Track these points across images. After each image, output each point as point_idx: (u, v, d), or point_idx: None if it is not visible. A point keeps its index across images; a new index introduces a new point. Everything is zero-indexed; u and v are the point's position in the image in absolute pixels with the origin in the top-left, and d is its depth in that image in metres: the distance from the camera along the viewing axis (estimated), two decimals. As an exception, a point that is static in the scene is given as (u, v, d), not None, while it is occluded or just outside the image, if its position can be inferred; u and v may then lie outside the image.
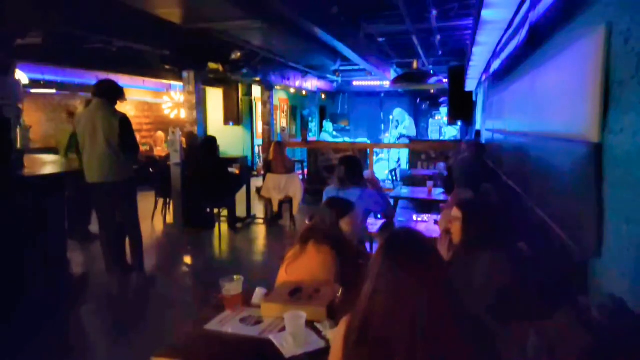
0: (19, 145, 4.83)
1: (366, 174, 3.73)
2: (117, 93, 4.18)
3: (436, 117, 17.15)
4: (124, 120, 4.05)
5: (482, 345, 1.14)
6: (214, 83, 10.71)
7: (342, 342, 1.20)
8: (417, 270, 1.14)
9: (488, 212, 2.06)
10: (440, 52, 9.38)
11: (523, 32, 2.88)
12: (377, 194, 3.53)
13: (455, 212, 2.07)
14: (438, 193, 5.20)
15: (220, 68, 7.57)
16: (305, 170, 9.59)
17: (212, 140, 6.30)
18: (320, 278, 2.09)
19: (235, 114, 11.71)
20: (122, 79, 7.58)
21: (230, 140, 11.57)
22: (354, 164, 3.59)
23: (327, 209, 2.38)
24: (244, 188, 6.81)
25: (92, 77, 8.03)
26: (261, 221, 6.93)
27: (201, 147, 6.33)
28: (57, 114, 7.57)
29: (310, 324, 1.70)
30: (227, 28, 6.18)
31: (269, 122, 10.58)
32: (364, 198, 3.31)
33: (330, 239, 2.22)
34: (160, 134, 10.32)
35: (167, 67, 7.55)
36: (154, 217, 6.71)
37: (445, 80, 10.56)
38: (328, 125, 14.65)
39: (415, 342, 1.07)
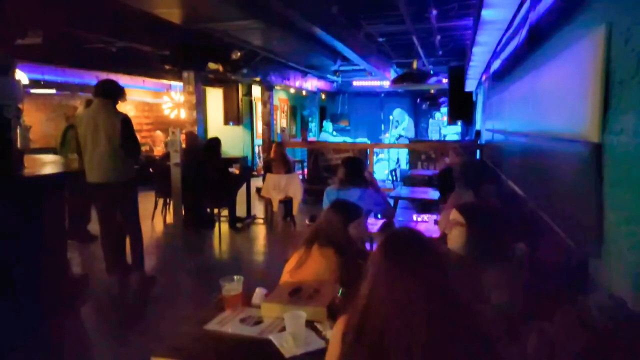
0: (19, 145, 4.82)
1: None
2: (118, 93, 4.18)
3: (436, 117, 17.14)
4: (126, 120, 4.05)
5: (481, 344, 1.14)
6: (214, 83, 10.70)
7: (339, 340, 1.20)
8: (416, 269, 1.14)
9: (493, 222, 1.91)
10: (440, 52, 9.39)
11: (523, 32, 2.89)
12: (377, 194, 3.54)
13: (456, 216, 1.91)
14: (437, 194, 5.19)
15: (220, 68, 7.56)
16: (305, 170, 9.59)
17: (217, 141, 6.33)
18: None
19: (236, 114, 11.71)
20: (122, 79, 7.57)
21: (230, 140, 11.55)
22: (355, 165, 3.60)
23: (334, 212, 2.29)
24: (244, 188, 6.81)
25: (92, 77, 8.02)
26: (261, 221, 6.93)
27: (205, 147, 6.34)
28: (57, 114, 7.58)
29: (310, 324, 1.70)
30: (227, 28, 6.18)
31: (269, 122, 10.57)
32: (364, 199, 3.32)
33: (334, 242, 2.20)
34: (158, 133, 10.30)
35: (167, 67, 7.55)
36: (154, 217, 6.71)
37: (445, 80, 10.57)
38: (328, 125, 14.64)
39: (413, 341, 1.07)
